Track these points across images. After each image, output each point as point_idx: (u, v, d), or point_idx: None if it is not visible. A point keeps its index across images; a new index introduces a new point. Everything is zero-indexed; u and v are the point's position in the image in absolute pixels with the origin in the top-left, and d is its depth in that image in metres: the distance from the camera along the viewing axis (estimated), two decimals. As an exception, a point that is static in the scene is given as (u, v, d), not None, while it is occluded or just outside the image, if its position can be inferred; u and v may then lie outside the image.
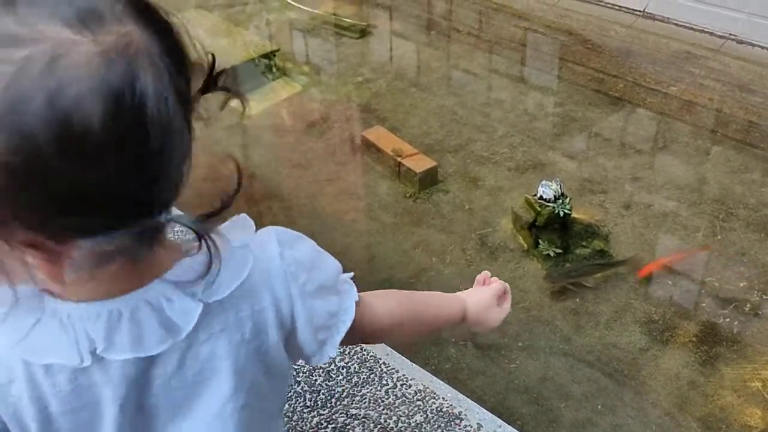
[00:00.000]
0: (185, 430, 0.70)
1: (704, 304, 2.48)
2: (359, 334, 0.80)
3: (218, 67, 0.61)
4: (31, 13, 0.49)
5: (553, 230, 2.66)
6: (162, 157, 0.53)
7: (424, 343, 2.41)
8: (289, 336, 0.73)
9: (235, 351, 0.68)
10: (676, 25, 3.84)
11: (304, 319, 0.72)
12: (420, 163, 3.07)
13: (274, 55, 3.98)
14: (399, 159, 3.09)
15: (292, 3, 4.69)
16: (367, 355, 1.76)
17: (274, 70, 3.98)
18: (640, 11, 3.97)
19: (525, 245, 2.72)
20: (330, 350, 0.76)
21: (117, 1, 0.52)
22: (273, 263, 0.69)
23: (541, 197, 2.63)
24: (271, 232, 0.70)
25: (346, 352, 1.77)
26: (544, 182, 2.66)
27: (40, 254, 0.54)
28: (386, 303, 0.85)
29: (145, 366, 0.64)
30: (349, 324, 0.77)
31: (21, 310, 0.61)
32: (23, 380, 0.62)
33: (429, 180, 3.06)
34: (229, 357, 0.68)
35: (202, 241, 0.58)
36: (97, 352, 0.61)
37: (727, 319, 2.40)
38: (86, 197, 0.52)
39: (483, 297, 0.97)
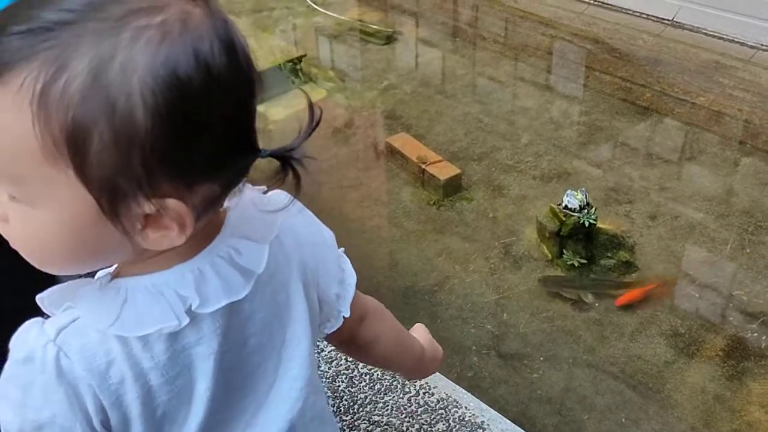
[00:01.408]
0: (281, 368, 0.75)
1: (731, 318, 2.45)
2: (355, 311, 0.85)
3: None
4: None
5: (578, 240, 2.64)
6: (256, 98, 0.61)
7: (446, 352, 2.40)
8: (317, 285, 0.80)
9: (299, 276, 0.76)
10: (706, 34, 3.81)
11: (323, 272, 0.80)
12: (444, 171, 3.06)
13: (300, 61, 4.00)
14: (423, 166, 3.08)
15: (319, 8, 4.71)
16: (390, 362, 1.76)
17: (300, 75, 4.00)
18: (668, 20, 3.94)
19: (549, 255, 2.71)
20: (344, 309, 0.83)
21: None
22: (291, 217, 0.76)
23: (566, 207, 2.61)
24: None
25: (369, 359, 1.76)
26: (569, 192, 2.64)
27: (176, 205, 0.58)
28: (367, 296, 0.92)
29: (231, 314, 0.68)
30: (354, 283, 0.84)
31: (105, 295, 0.64)
32: (123, 359, 0.64)
33: (453, 187, 3.05)
34: (298, 281, 0.76)
35: (288, 169, 0.63)
36: (193, 308, 0.64)
37: (755, 334, 2.37)
38: (222, 134, 0.59)
39: (421, 332, 1.05)
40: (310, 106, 0.66)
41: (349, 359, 1.75)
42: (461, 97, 3.77)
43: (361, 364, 1.75)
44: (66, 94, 0.53)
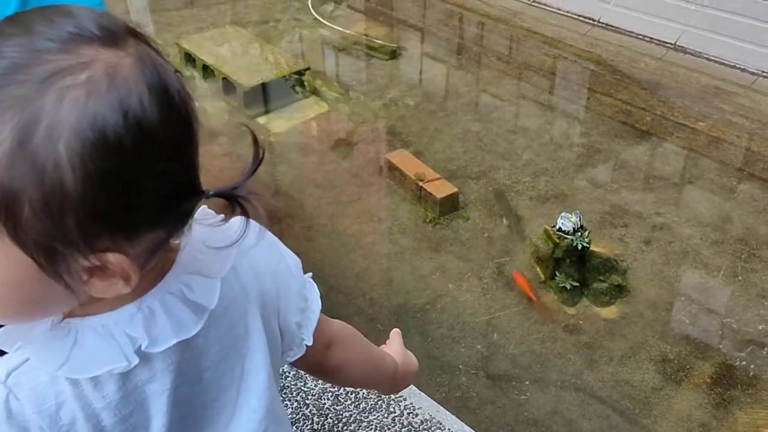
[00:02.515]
0: (239, 400, 0.75)
1: (721, 345, 2.45)
2: (319, 339, 0.85)
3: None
4: (67, 42, 0.55)
5: (571, 263, 2.65)
6: (194, 144, 0.60)
7: (436, 370, 2.41)
8: (277, 314, 0.80)
9: (258, 307, 0.76)
10: (707, 59, 3.82)
11: (284, 300, 0.79)
12: (441, 189, 3.08)
13: (305, 73, 4.03)
14: (421, 183, 3.10)
15: (324, 22, 4.74)
16: (375, 382, 1.77)
17: (304, 87, 4.02)
18: (671, 44, 3.96)
19: (542, 276, 2.72)
20: (307, 337, 0.82)
21: (116, 24, 0.59)
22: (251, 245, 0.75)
23: (560, 229, 2.63)
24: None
25: (355, 378, 1.78)
26: (563, 214, 2.65)
27: (117, 259, 0.58)
28: (334, 321, 0.91)
29: (184, 349, 0.67)
30: (318, 311, 0.84)
31: (55, 336, 0.64)
32: (73, 400, 0.64)
33: (449, 206, 3.07)
34: (256, 312, 0.76)
35: (236, 206, 0.63)
36: (143, 348, 0.64)
37: (744, 362, 2.37)
38: (160, 187, 0.58)
39: (396, 345, 1.04)
40: (255, 141, 0.65)
41: (335, 378, 1.76)
42: (462, 115, 3.79)
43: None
44: None
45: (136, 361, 0.63)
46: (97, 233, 0.56)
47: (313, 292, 0.84)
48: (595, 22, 4.22)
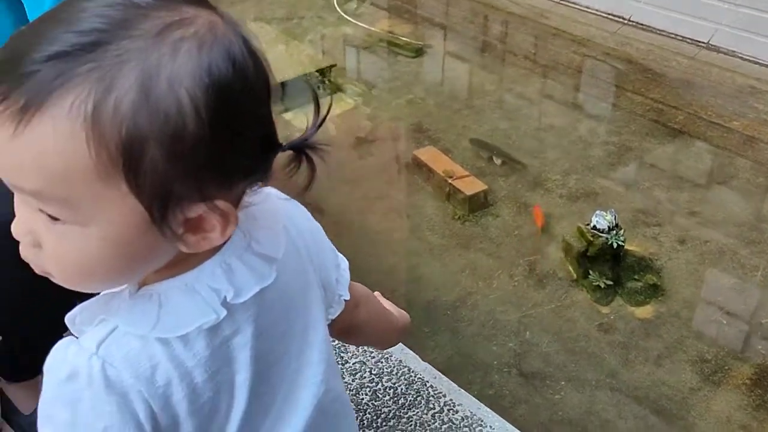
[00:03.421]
0: (303, 354, 0.78)
1: (760, 347, 2.40)
2: (351, 297, 0.90)
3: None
4: (172, 3, 0.59)
5: (605, 261, 2.61)
6: (271, 98, 0.64)
7: (467, 368, 2.38)
8: (319, 270, 0.84)
9: (308, 262, 0.80)
10: (741, 58, 3.77)
11: (322, 257, 0.84)
12: (470, 186, 3.04)
13: (330, 70, 4.00)
14: (449, 180, 3.07)
15: (350, 19, 4.72)
16: (415, 377, 1.74)
17: (328, 84, 4.00)
18: (704, 42, 3.90)
19: (574, 274, 2.68)
20: (344, 293, 0.87)
21: None
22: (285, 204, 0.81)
23: (594, 227, 2.59)
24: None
25: (393, 372, 1.75)
26: (598, 212, 2.61)
27: (226, 206, 0.61)
28: (354, 282, 0.96)
29: (258, 302, 0.70)
30: (348, 269, 0.89)
31: (138, 303, 0.66)
32: (167, 361, 0.65)
33: (479, 203, 3.03)
34: (309, 266, 0.79)
35: (302, 158, 0.67)
36: (228, 300, 0.66)
37: (784, 364, 2.32)
38: (257, 133, 0.62)
39: (387, 302, 1.15)
40: (316, 99, 0.70)
41: (374, 372, 1.73)
42: (490, 113, 3.75)
43: (385, 378, 1.73)
44: (119, 112, 0.54)
45: (224, 313, 0.66)
46: (208, 179, 0.59)
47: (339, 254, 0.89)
48: (625, 21, 4.17)
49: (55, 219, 0.58)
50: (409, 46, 4.35)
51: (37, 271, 0.65)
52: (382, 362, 1.77)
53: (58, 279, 0.64)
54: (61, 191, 0.56)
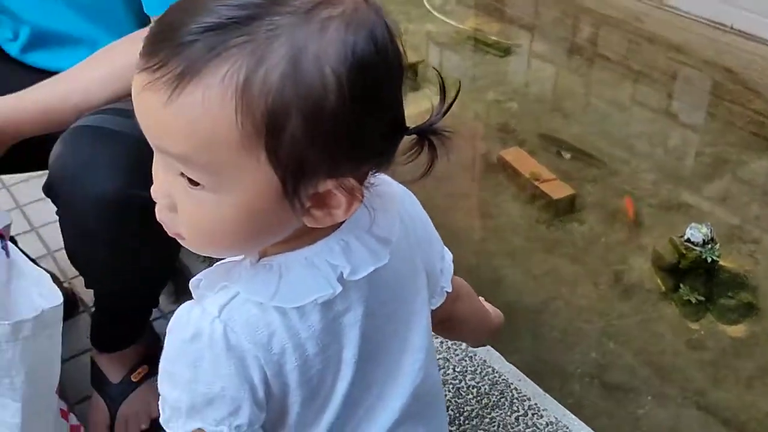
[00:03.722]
0: (407, 339, 0.79)
1: None
2: (451, 292, 0.91)
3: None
4: None
5: (697, 276, 2.52)
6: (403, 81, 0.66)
7: (547, 374, 2.32)
8: (426, 259, 0.85)
9: (417, 248, 0.81)
10: None
11: (429, 245, 0.85)
12: (557, 190, 2.98)
13: (417, 66, 3.98)
14: (536, 183, 3.01)
15: (438, 15, 4.69)
16: (499, 377, 1.71)
17: (415, 80, 3.98)
18: (809, 55, 3.73)
19: (663, 287, 2.59)
20: (446, 284, 0.88)
21: None
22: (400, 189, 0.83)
23: (688, 240, 2.50)
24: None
25: (477, 371, 1.72)
26: (693, 225, 2.52)
27: (353, 183, 0.63)
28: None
29: (370, 282, 0.72)
30: (451, 263, 0.89)
31: (259, 272, 0.68)
32: (283, 330, 0.68)
33: (565, 208, 2.97)
34: (417, 252, 0.81)
35: (425, 143, 0.68)
36: (345, 276, 0.68)
37: None
38: (390, 114, 0.64)
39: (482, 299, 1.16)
40: (441, 85, 0.70)
41: (457, 369, 1.71)
42: (579, 117, 3.67)
43: (468, 376, 1.70)
44: (267, 83, 0.57)
45: (339, 288, 0.68)
46: (341, 156, 0.61)
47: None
48: (727, 29, 4.01)
49: (195, 184, 0.62)
50: (498, 45, 4.30)
51: (169, 233, 0.69)
52: (465, 360, 1.74)
53: (188, 242, 0.67)
54: (206, 157, 0.59)
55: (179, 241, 0.68)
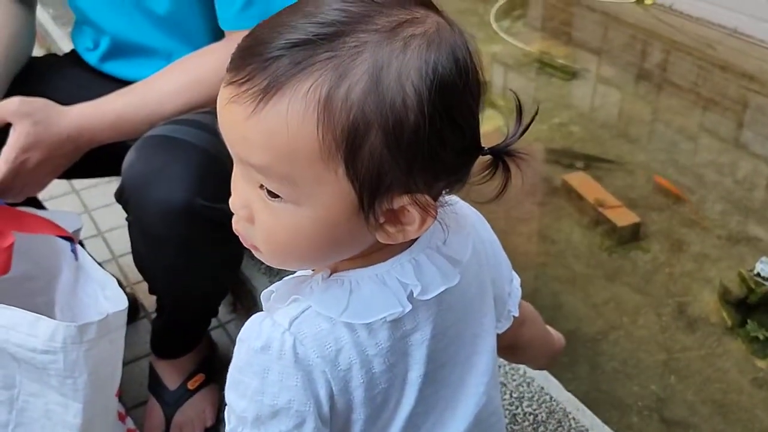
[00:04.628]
0: (470, 361, 0.78)
1: None
2: (519, 314, 0.90)
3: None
4: (406, 3, 0.63)
5: (766, 311, 2.43)
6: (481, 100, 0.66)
7: (605, 405, 2.26)
8: (494, 282, 0.84)
9: (486, 270, 0.81)
10: None
11: (498, 269, 0.84)
12: (622, 217, 2.92)
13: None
14: (600, 209, 2.96)
15: (504, 37, 4.67)
16: (557, 406, 1.67)
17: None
18: None
19: (729, 322, 2.50)
20: (514, 308, 0.88)
21: None
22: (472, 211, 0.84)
23: (758, 274, 2.42)
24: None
25: (534, 398, 1.68)
26: (763, 259, 2.44)
27: (427, 201, 0.64)
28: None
29: (439, 302, 0.72)
30: (519, 287, 0.89)
31: (331, 287, 0.69)
32: (351, 346, 0.68)
33: (630, 236, 2.90)
34: (486, 275, 0.80)
35: (499, 164, 0.69)
36: (415, 295, 0.68)
37: None
38: (468, 132, 0.64)
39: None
40: (518, 106, 0.71)
41: (514, 395, 1.68)
42: (645, 144, 3.60)
43: (525, 403, 1.67)
44: (349, 98, 0.58)
45: (409, 307, 0.68)
46: (418, 173, 0.62)
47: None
48: (804, 58, 3.90)
49: (274, 196, 0.63)
50: (565, 69, 4.26)
51: (245, 244, 0.70)
52: (523, 386, 1.71)
53: (263, 253, 0.68)
54: (286, 168, 0.60)
55: (254, 253, 0.69)
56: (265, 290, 0.73)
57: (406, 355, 0.71)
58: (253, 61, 0.59)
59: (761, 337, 2.39)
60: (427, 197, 0.64)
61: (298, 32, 0.59)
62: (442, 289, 0.70)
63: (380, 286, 0.68)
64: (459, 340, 0.77)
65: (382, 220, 0.64)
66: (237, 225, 0.68)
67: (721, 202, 3.11)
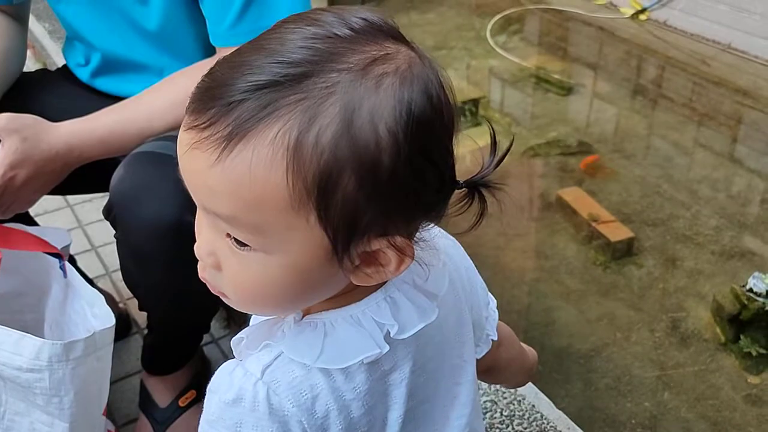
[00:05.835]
0: (451, 394, 0.76)
1: None
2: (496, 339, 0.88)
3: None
4: (368, 33, 0.59)
5: (759, 327, 2.42)
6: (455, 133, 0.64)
7: (598, 423, 2.26)
8: (471, 308, 0.81)
9: (464, 298, 0.78)
10: None
11: (475, 294, 0.82)
12: (616, 232, 2.92)
13: (479, 101, 3.98)
14: (594, 224, 2.96)
15: (501, 52, 4.69)
16: (547, 424, 1.67)
17: (475, 115, 3.98)
18: None
19: (722, 338, 2.50)
20: (492, 332, 0.85)
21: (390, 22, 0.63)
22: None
23: (750, 290, 2.41)
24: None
25: (525, 417, 1.68)
26: (756, 274, 2.44)
27: (403, 242, 0.61)
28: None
29: (417, 338, 0.69)
30: (496, 310, 0.87)
31: (304, 331, 0.66)
32: (327, 392, 0.65)
33: (623, 251, 2.90)
34: (464, 303, 0.78)
35: (475, 195, 0.65)
36: (392, 335, 0.65)
37: None
38: (442, 170, 0.61)
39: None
40: (493, 136, 0.69)
41: (504, 413, 1.67)
42: (640, 159, 3.61)
43: (516, 421, 1.66)
44: (319, 143, 0.55)
45: (386, 348, 0.65)
46: (394, 213, 0.59)
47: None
48: (798, 74, 3.92)
49: (242, 245, 0.60)
50: (561, 84, 4.27)
51: (213, 291, 0.67)
52: (514, 404, 1.70)
53: (232, 301, 0.65)
54: (255, 218, 0.57)
55: (223, 299, 0.66)
56: (234, 337, 0.69)
57: (386, 395, 0.68)
58: (214, 105, 0.55)
59: (754, 353, 2.39)
60: (402, 238, 0.61)
61: (264, 73, 0.55)
62: (420, 327, 0.67)
63: (356, 327, 0.65)
64: (439, 373, 0.74)
65: (357, 262, 0.61)
66: (203, 272, 0.65)
67: (715, 217, 3.12)
